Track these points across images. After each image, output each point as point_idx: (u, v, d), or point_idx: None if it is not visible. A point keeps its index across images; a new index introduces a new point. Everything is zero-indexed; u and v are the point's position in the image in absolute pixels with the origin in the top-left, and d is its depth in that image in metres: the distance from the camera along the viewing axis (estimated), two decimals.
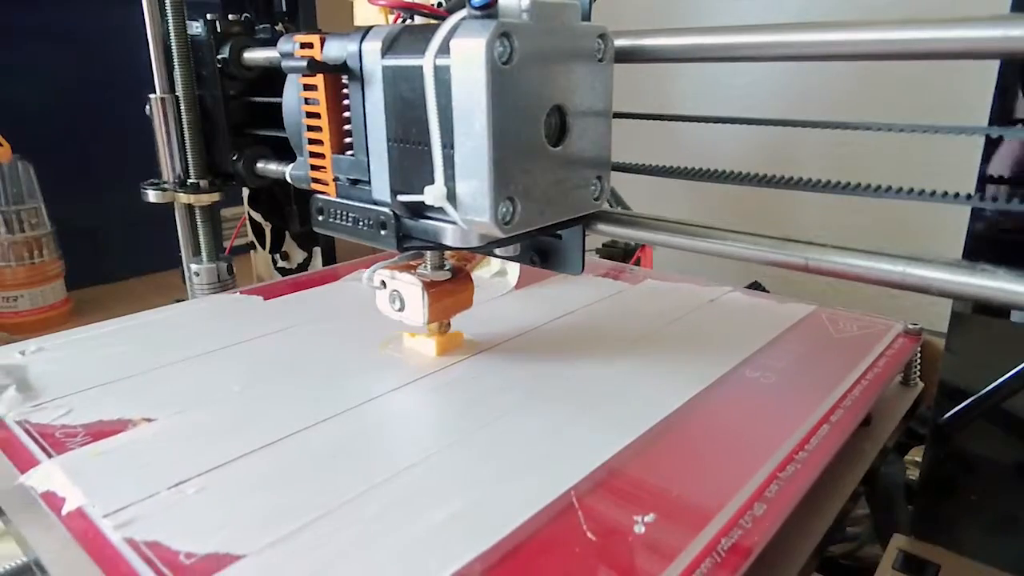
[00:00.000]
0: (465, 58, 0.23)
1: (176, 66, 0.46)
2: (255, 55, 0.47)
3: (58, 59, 0.74)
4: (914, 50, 0.20)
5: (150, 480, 0.25)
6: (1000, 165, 0.25)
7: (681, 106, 0.81)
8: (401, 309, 0.34)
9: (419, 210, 0.27)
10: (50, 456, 0.27)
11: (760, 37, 0.23)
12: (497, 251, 0.32)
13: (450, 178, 0.24)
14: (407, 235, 0.28)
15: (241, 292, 0.46)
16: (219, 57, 0.47)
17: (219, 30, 0.46)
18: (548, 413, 0.30)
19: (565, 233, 0.31)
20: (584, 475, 0.25)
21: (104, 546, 0.22)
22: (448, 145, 0.24)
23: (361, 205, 0.29)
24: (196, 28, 0.47)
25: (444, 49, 0.23)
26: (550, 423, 0.29)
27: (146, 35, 0.46)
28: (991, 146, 0.25)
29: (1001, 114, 0.25)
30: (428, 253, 0.33)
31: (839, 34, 0.21)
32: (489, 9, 0.23)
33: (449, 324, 0.36)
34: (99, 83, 0.75)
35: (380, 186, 0.28)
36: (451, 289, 0.34)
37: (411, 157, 0.27)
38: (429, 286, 0.32)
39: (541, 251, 0.32)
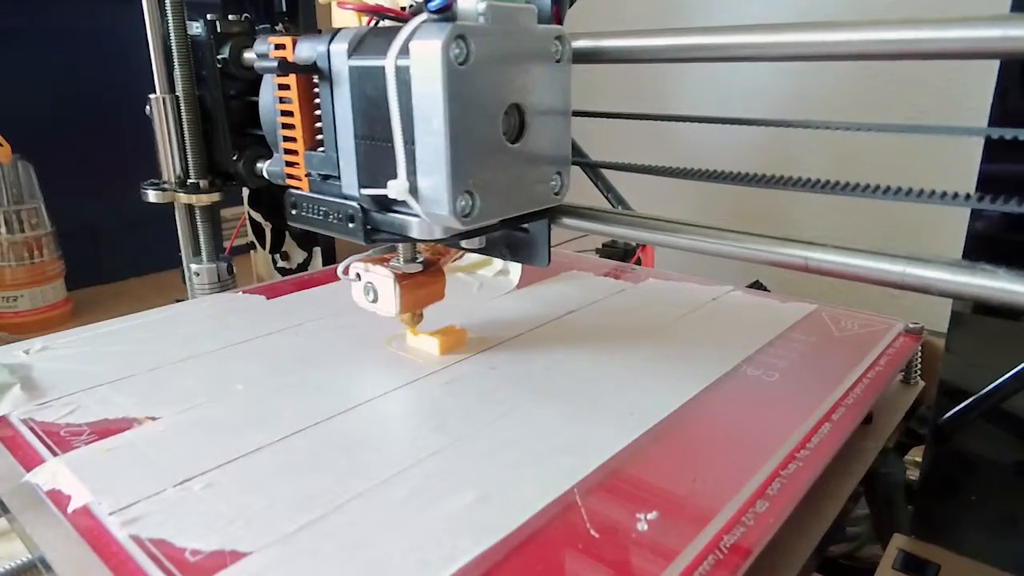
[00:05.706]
0: (423, 59, 0.24)
1: (176, 66, 0.46)
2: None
3: (58, 59, 0.74)
4: (914, 50, 0.20)
5: (156, 477, 0.25)
6: (1000, 165, 0.25)
7: (681, 106, 0.81)
8: (375, 300, 0.35)
9: (386, 204, 0.28)
10: (55, 454, 0.27)
11: (759, 37, 0.23)
12: (463, 243, 0.32)
13: (412, 173, 0.25)
14: (375, 228, 0.29)
15: (243, 291, 0.46)
16: (219, 57, 0.47)
17: (219, 30, 0.46)
18: (552, 410, 0.30)
19: (533, 228, 0.31)
20: (588, 472, 0.25)
21: (110, 543, 0.22)
22: (410, 142, 0.25)
23: (331, 199, 0.30)
24: (196, 28, 0.46)
25: (405, 50, 0.24)
26: (555, 420, 0.29)
27: (146, 35, 0.46)
28: (991, 146, 0.25)
29: (1001, 114, 0.25)
30: (401, 246, 0.34)
31: (839, 34, 0.21)
32: (446, 12, 0.24)
33: (422, 315, 0.36)
34: (99, 83, 0.75)
35: (349, 181, 0.29)
36: (423, 281, 0.35)
37: (377, 153, 0.28)
38: (401, 278, 0.34)
39: (511, 245, 0.33)
